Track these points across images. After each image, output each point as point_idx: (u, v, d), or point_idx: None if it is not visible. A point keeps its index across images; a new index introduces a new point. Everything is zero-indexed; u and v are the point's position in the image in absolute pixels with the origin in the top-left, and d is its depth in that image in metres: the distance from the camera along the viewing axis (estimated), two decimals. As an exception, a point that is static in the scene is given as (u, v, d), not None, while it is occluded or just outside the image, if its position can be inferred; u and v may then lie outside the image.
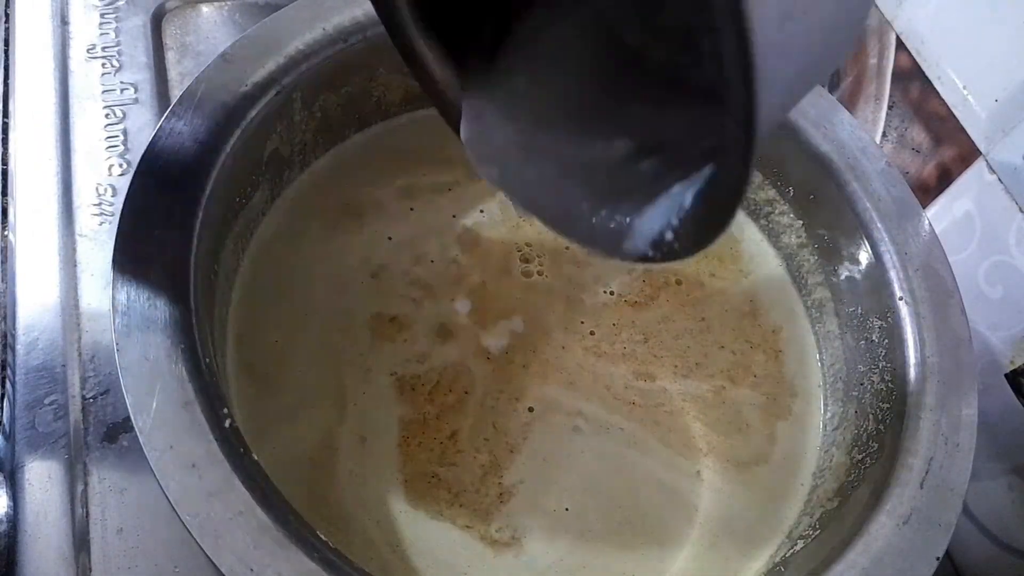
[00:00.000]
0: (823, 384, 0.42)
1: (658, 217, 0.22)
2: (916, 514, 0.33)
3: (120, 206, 0.33)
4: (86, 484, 0.36)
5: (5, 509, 0.35)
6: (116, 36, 0.50)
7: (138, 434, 0.29)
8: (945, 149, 0.47)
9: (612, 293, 0.43)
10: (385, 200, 0.44)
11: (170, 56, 0.50)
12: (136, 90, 0.48)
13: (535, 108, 0.27)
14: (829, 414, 0.41)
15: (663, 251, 0.22)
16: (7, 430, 0.37)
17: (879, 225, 0.40)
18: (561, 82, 0.26)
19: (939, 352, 0.37)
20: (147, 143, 0.34)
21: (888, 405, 0.37)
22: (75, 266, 0.41)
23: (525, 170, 0.27)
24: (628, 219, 0.23)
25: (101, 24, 0.50)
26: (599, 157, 0.24)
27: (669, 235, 0.21)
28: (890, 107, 0.51)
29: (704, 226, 0.21)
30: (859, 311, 0.41)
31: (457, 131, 0.30)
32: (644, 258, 0.22)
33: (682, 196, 0.21)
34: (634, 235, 0.23)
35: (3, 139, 0.46)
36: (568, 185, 0.25)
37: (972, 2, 0.44)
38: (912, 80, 0.48)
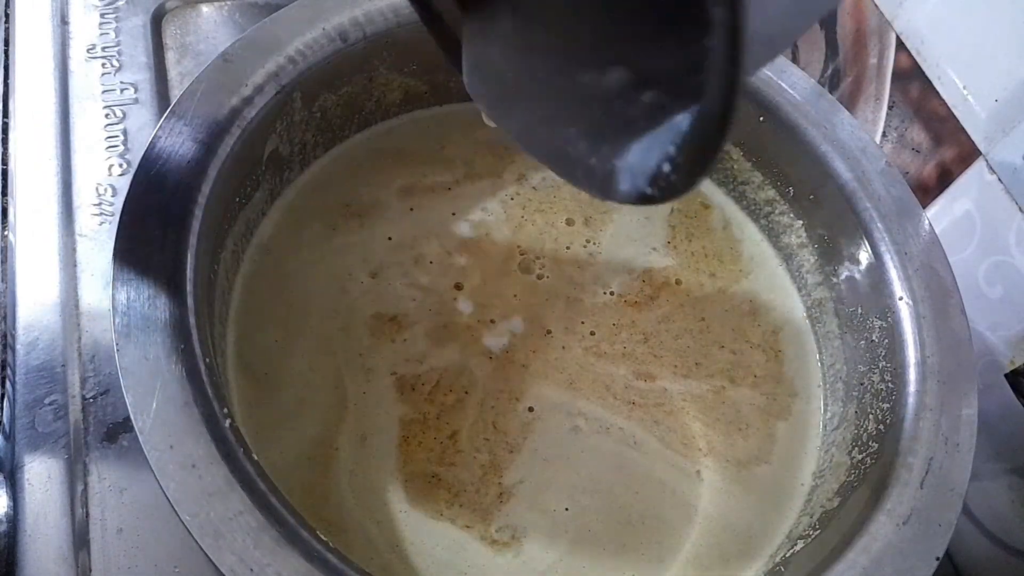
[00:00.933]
0: (823, 384, 0.42)
1: (656, 150, 0.21)
2: (916, 514, 0.33)
3: (120, 206, 0.33)
4: (86, 484, 0.36)
5: (5, 509, 0.35)
6: (116, 36, 0.50)
7: (138, 434, 0.29)
8: (945, 149, 0.47)
9: (612, 293, 0.43)
10: (385, 200, 0.44)
11: (170, 56, 0.50)
12: (136, 90, 0.48)
13: (532, 40, 0.26)
14: (829, 414, 0.41)
15: (661, 187, 0.22)
16: (7, 430, 0.37)
17: (879, 225, 0.40)
18: (558, 10, 0.25)
19: (939, 352, 0.37)
20: (147, 143, 0.35)
21: (888, 405, 0.37)
22: (75, 266, 0.41)
23: (524, 109, 0.26)
24: (625, 156, 0.22)
25: (101, 24, 0.50)
26: (594, 91, 0.23)
27: (667, 167, 0.21)
28: (890, 107, 0.51)
29: (699, 156, 0.20)
30: (859, 311, 0.41)
31: (460, 70, 0.29)
32: (643, 197, 0.22)
33: (680, 126, 0.21)
34: (632, 173, 0.22)
35: (3, 139, 0.46)
36: (565, 123, 0.25)
37: (972, 2, 0.44)
38: (912, 80, 0.48)
